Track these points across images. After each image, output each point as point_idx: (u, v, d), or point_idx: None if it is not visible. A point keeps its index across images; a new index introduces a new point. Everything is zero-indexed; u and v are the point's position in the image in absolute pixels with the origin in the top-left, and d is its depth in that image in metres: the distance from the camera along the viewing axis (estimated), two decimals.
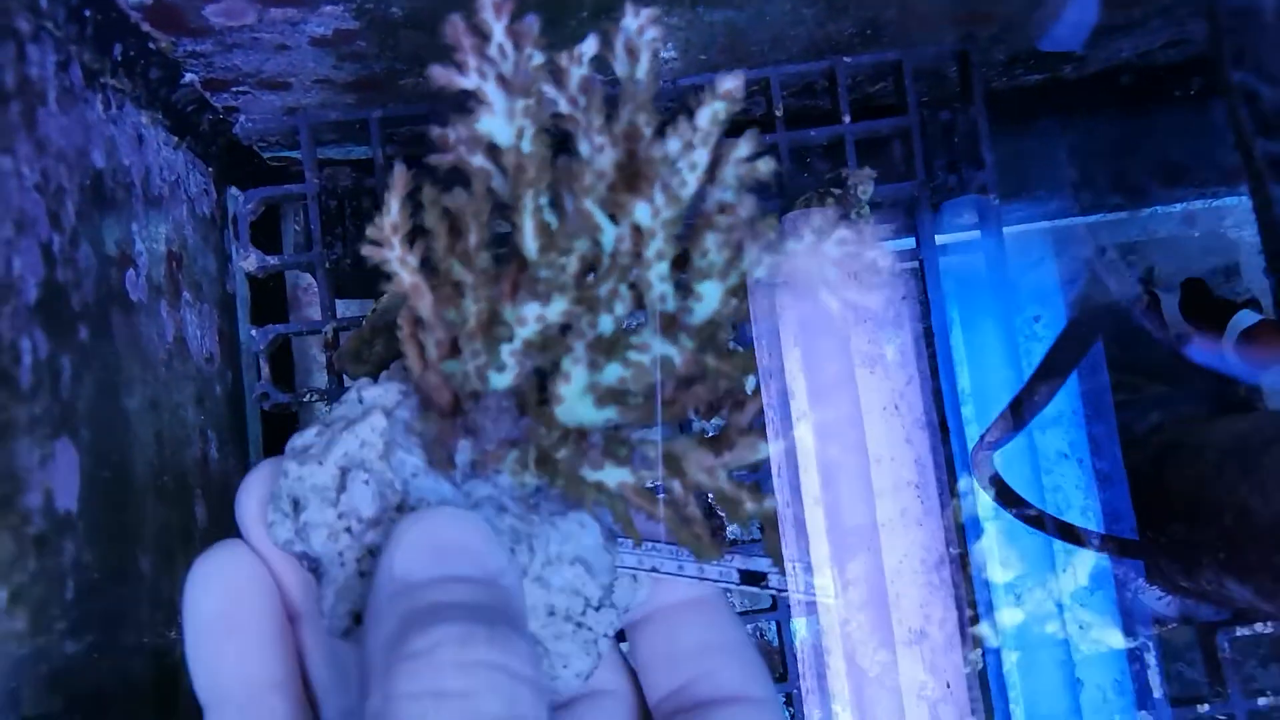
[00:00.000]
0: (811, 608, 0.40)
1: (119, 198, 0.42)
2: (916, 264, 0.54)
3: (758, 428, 0.37)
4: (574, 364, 0.34)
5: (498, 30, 0.31)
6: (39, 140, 0.36)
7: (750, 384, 0.41)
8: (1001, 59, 0.57)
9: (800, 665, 0.40)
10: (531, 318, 0.33)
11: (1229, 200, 0.62)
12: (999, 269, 0.56)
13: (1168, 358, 0.55)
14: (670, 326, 0.34)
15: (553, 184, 0.34)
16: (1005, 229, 0.61)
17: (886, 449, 0.51)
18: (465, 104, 0.33)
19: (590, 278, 0.34)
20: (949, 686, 0.49)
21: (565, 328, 0.34)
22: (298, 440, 0.32)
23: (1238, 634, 0.48)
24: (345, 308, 0.51)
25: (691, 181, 0.34)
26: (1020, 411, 0.44)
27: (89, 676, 0.36)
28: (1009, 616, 0.50)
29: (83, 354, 0.37)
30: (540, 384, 0.34)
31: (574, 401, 0.34)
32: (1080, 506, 0.56)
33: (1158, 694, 0.48)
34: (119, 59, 0.42)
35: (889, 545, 0.47)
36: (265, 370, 0.50)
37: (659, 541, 0.36)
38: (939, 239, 0.59)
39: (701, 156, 0.33)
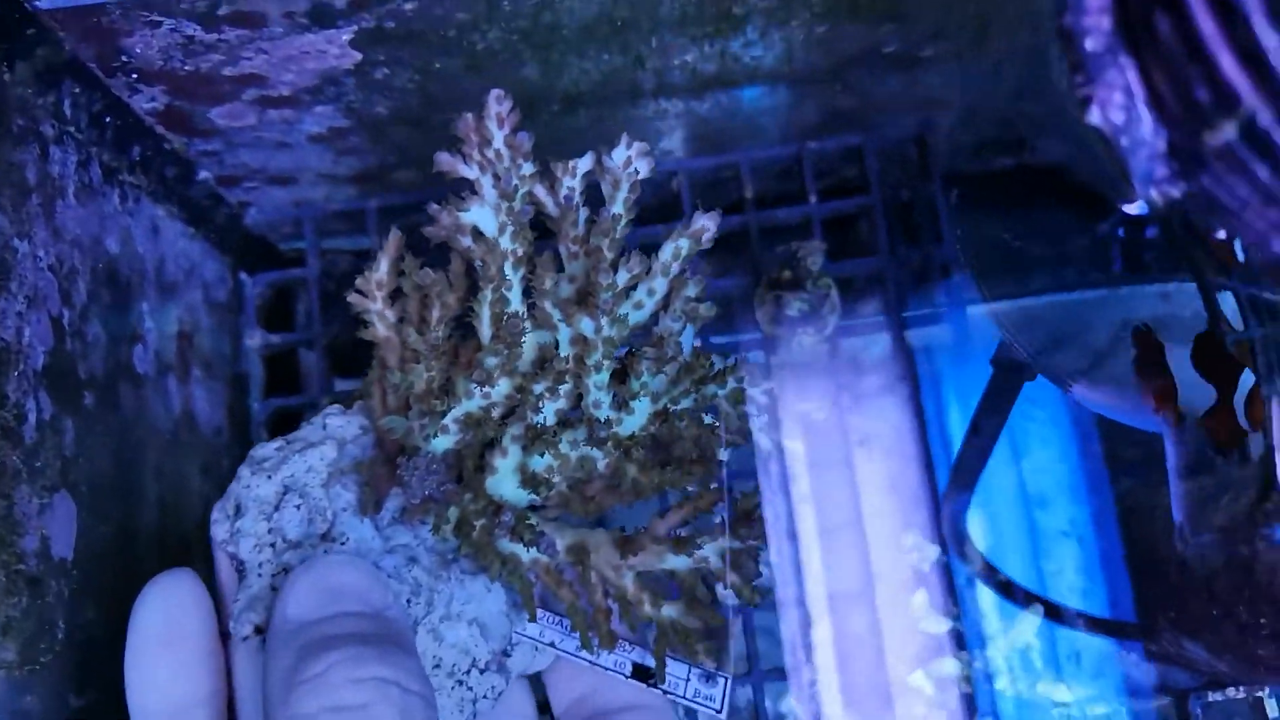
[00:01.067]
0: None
1: (131, 281, 0.46)
2: (903, 343, 0.57)
3: (674, 538, 0.39)
4: (512, 442, 0.37)
5: (498, 137, 0.36)
6: (55, 228, 0.40)
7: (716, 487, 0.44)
8: (969, 143, 0.60)
9: None
10: (477, 394, 0.37)
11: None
12: (967, 345, 0.58)
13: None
14: (597, 432, 0.37)
15: (528, 278, 0.37)
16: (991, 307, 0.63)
17: (887, 526, 0.53)
18: (459, 193, 0.37)
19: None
20: None
21: (512, 410, 0.38)
22: (258, 450, 0.35)
23: (1210, 699, 0.48)
24: (344, 384, 0.55)
25: (649, 304, 0.37)
26: (966, 471, 0.46)
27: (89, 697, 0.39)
28: (1004, 683, 0.51)
29: (87, 418, 0.41)
30: (483, 453, 0.37)
31: (504, 476, 0.37)
32: (1082, 589, 0.56)
33: None
34: (136, 158, 0.47)
35: (888, 622, 0.48)
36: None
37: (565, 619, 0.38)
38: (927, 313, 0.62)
39: (660, 285, 0.37)
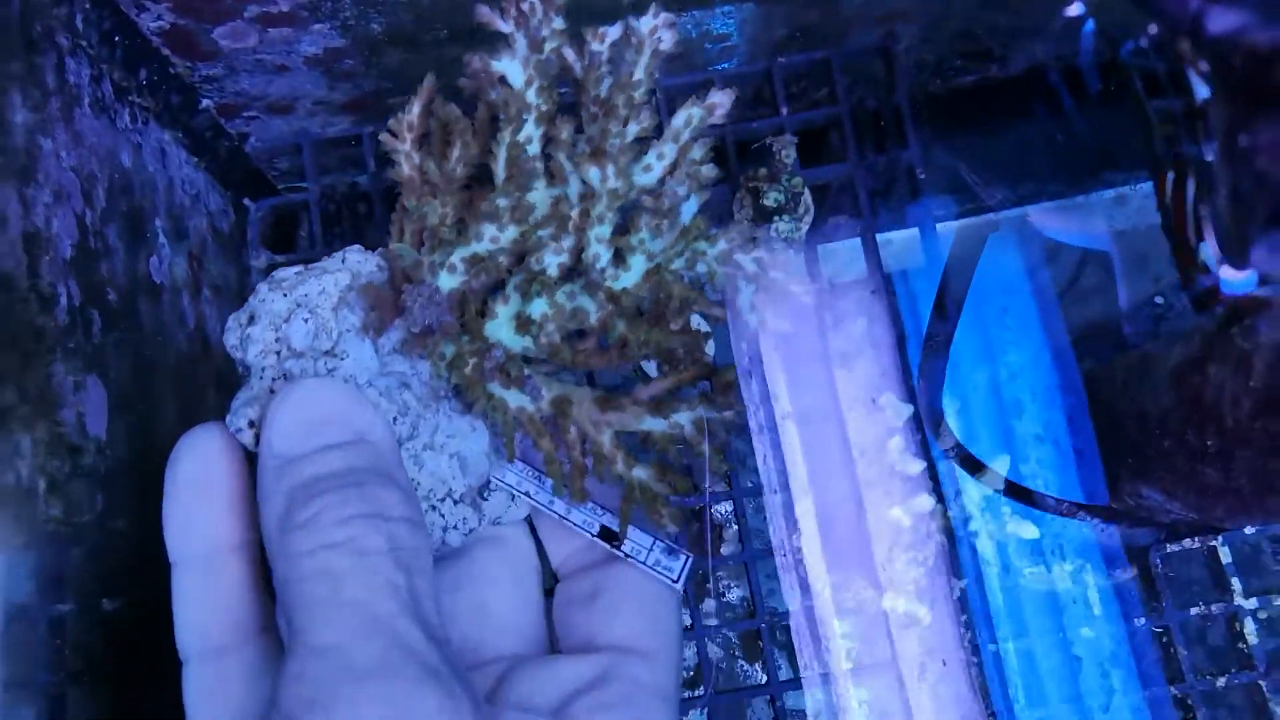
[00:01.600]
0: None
1: (144, 194, 0.49)
2: (875, 250, 0.60)
3: (653, 400, 0.41)
4: (514, 290, 0.39)
5: None
6: (75, 133, 0.43)
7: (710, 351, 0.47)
8: (931, 60, 0.63)
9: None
10: (486, 236, 0.39)
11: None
12: (938, 259, 0.61)
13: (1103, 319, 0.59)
14: (593, 284, 0.40)
15: (546, 133, 0.40)
16: (954, 223, 0.67)
17: (870, 438, 0.56)
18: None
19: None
20: (944, 664, 0.53)
21: (521, 259, 0.40)
22: (280, 272, 0.38)
23: (1168, 550, 0.52)
24: None
25: (658, 167, 0.40)
26: (935, 346, 0.49)
27: (112, 582, 0.41)
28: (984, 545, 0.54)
29: (110, 313, 0.44)
30: (486, 298, 0.40)
31: (502, 322, 0.40)
32: (1058, 486, 0.60)
33: (1098, 611, 0.51)
34: (144, 81, 0.49)
35: (871, 520, 0.51)
36: None
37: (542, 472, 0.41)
38: (899, 238, 0.65)
39: (670, 150, 0.40)
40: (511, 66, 0.38)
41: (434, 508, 0.38)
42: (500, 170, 0.38)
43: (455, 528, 0.39)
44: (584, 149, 0.38)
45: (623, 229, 0.39)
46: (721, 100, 0.39)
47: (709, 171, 0.40)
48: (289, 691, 0.29)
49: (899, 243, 0.65)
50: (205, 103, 0.54)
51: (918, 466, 0.44)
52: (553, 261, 0.40)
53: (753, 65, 0.59)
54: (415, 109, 0.38)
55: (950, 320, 0.49)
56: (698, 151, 0.39)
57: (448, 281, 0.38)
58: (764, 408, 0.60)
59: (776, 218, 0.51)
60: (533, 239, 0.39)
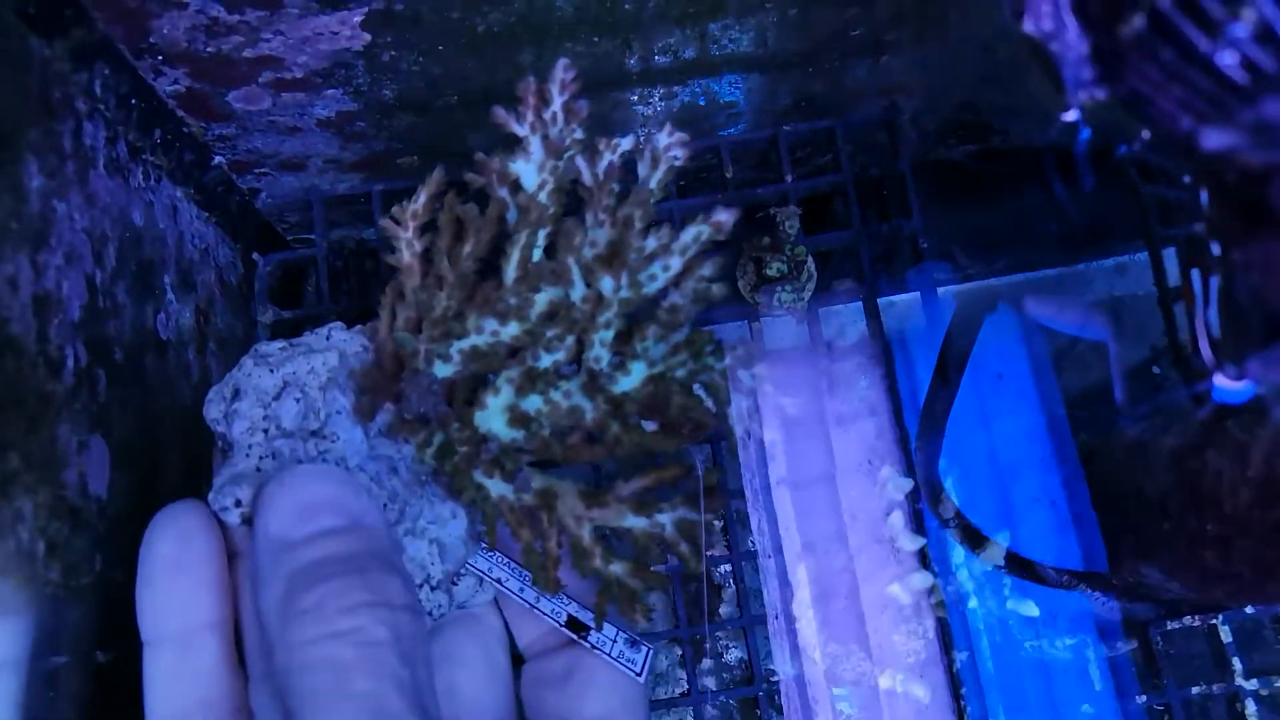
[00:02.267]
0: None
1: (154, 253, 0.49)
2: (877, 315, 0.60)
3: (636, 499, 0.42)
4: (506, 383, 0.40)
5: (557, 101, 0.39)
6: (89, 194, 0.44)
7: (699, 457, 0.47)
8: (931, 130, 0.64)
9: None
10: (488, 330, 0.40)
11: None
12: (939, 325, 0.62)
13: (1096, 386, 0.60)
14: (593, 385, 0.40)
15: (552, 236, 0.41)
16: (954, 287, 0.67)
17: (861, 504, 0.56)
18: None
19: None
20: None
21: (514, 353, 0.41)
22: (263, 346, 0.38)
23: (1168, 628, 0.52)
24: None
25: (661, 278, 0.40)
26: (935, 414, 0.49)
27: (107, 634, 0.41)
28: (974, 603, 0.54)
29: (116, 372, 0.44)
30: (474, 388, 0.40)
31: (493, 412, 0.40)
32: (1056, 550, 0.60)
33: (1099, 687, 0.51)
34: (158, 140, 0.50)
35: (867, 592, 0.51)
36: None
37: (517, 563, 0.41)
38: (901, 301, 0.65)
39: (675, 263, 0.40)
40: (527, 170, 0.38)
41: None
42: (511, 271, 0.39)
43: (430, 614, 0.39)
44: (591, 255, 0.39)
45: (624, 334, 0.40)
46: (726, 219, 0.40)
47: (718, 291, 0.40)
48: None
49: (900, 306, 0.65)
50: (218, 160, 0.55)
51: (917, 543, 0.44)
52: (550, 359, 0.41)
53: (758, 132, 0.60)
54: (421, 199, 0.39)
55: (950, 387, 0.50)
56: (707, 269, 0.40)
57: (443, 370, 0.39)
58: (759, 471, 0.60)
59: (779, 287, 0.51)
60: (537, 337, 0.40)
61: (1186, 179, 0.27)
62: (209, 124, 0.52)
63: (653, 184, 0.40)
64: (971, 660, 0.49)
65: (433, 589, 0.39)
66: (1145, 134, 0.27)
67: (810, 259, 0.53)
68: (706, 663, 0.65)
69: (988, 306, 0.53)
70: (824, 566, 0.52)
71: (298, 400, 0.37)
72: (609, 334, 0.40)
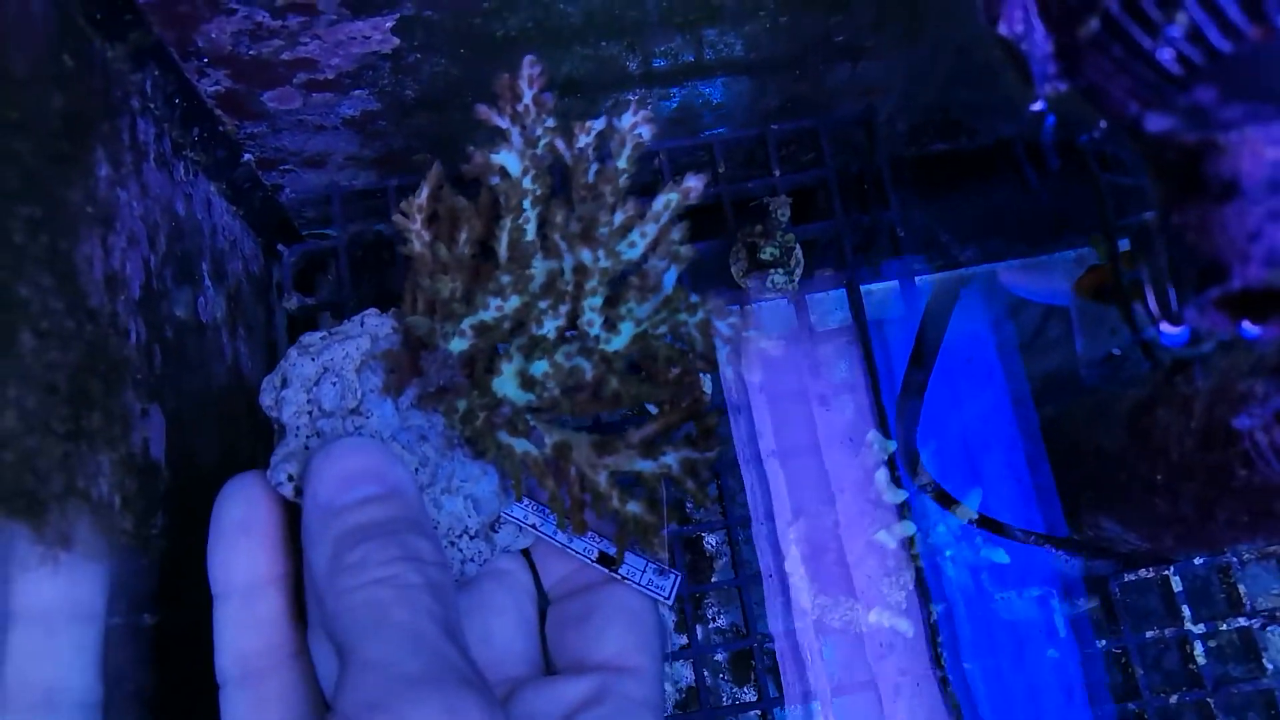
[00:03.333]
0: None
1: (193, 240, 0.53)
2: (858, 301, 0.65)
3: (643, 444, 0.46)
4: (516, 351, 0.44)
5: (528, 95, 0.43)
6: (143, 185, 0.47)
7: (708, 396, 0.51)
8: (904, 130, 0.69)
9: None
10: (492, 305, 0.44)
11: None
12: (916, 311, 0.67)
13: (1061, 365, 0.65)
14: (588, 347, 0.45)
15: (542, 215, 0.45)
16: (929, 276, 0.72)
17: (846, 474, 0.61)
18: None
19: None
20: (918, 685, 0.57)
21: (519, 325, 0.45)
22: (306, 337, 0.42)
23: (1125, 579, 0.57)
24: None
25: (640, 245, 0.45)
26: (911, 391, 0.54)
27: (153, 599, 0.45)
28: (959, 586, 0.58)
29: (167, 348, 0.48)
30: (490, 359, 0.44)
31: (507, 378, 0.44)
32: (1022, 520, 0.65)
33: (1063, 634, 0.56)
34: (196, 137, 0.54)
35: (853, 546, 0.56)
36: None
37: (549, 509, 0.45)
38: (879, 289, 0.70)
39: (650, 229, 0.45)
40: (509, 158, 0.43)
41: (453, 544, 0.43)
42: (503, 250, 0.43)
43: (472, 560, 0.43)
44: (576, 230, 0.43)
45: (613, 298, 0.44)
46: (695, 185, 0.44)
47: (686, 251, 0.45)
48: (347, 699, 0.33)
49: (878, 293, 0.70)
50: (247, 157, 0.59)
51: (899, 497, 0.49)
52: (551, 326, 0.45)
53: (747, 130, 0.64)
54: (424, 193, 0.43)
55: (925, 367, 0.54)
56: (676, 233, 0.44)
57: (458, 345, 0.43)
58: (750, 444, 0.65)
59: (772, 271, 0.56)
60: (534, 308, 0.44)
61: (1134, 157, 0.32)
62: (242, 122, 0.56)
63: (622, 161, 0.44)
64: (948, 611, 0.54)
65: (471, 538, 0.43)
66: (1102, 123, 0.32)
67: (799, 246, 0.58)
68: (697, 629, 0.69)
69: (957, 295, 0.57)
70: (813, 527, 0.57)
71: (334, 384, 0.41)
72: (597, 300, 0.44)
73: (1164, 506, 0.46)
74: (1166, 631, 0.57)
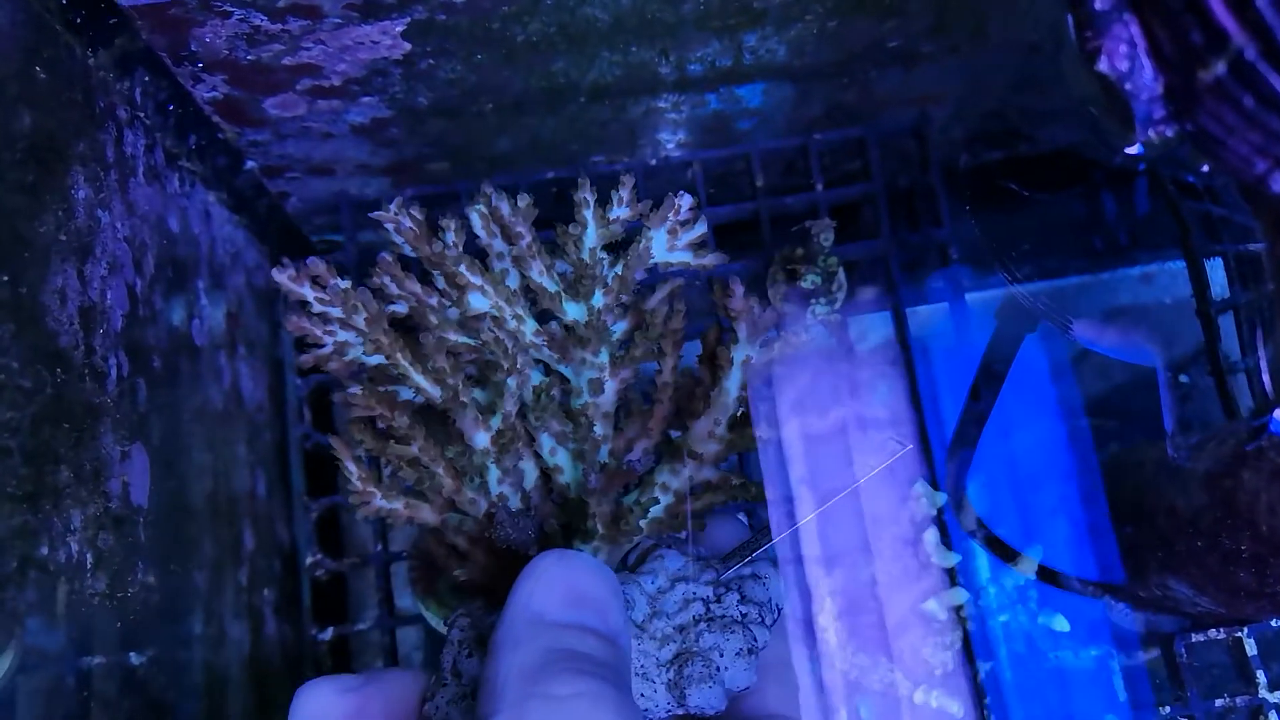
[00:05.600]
0: None
1: (189, 260, 0.49)
2: (903, 326, 0.60)
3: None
4: (550, 454, 0.42)
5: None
6: (129, 203, 0.43)
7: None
8: (959, 139, 0.64)
9: None
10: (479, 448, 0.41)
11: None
12: (965, 333, 0.62)
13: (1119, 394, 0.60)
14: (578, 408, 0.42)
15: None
16: (983, 295, 0.67)
17: (885, 511, 0.57)
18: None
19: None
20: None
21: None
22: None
23: (1193, 640, 0.52)
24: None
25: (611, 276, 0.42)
26: (969, 427, 0.49)
27: (152, 650, 0.41)
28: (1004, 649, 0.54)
29: (155, 379, 0.44)
30: (547, 482, 0.42)
31: (568, 471, 0.42)
32: (1074, 559, 0.60)
33: (1121, 698, 0.51)
34: (193, 146, 0.50)
35: (889, 601, 0.52)
36: (308, 415, 0.56)
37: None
38: (925, 309, 0.66)
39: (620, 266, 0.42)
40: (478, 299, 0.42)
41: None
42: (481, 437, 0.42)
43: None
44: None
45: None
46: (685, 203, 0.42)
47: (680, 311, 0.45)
48: None
49: (922, 314, 0.66)
50: (250, 164, 0.55)
51: (952, 560, 0.44)
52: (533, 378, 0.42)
53: (788, 140, 0.60)
54: (353, 470, 0.42)
55: (986, 403, 0.50)
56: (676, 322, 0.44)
57: (513, 500, 0.41)
58: (779, 477, 0.61)
59: (813, 300, 0.51)
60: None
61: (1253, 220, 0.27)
62: (243, 129, 0.52)
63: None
64: (998, 668, 0.50)
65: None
66: (1204, 167, 0.27)
67: (841, 270, 0.53)
68: None
69: (1027, 326, 0.53)
70: (849, 577, 0.52)
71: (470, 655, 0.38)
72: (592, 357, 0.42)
73: (1249, 580, 0.41)
74: (1238, 699, 0.52)
